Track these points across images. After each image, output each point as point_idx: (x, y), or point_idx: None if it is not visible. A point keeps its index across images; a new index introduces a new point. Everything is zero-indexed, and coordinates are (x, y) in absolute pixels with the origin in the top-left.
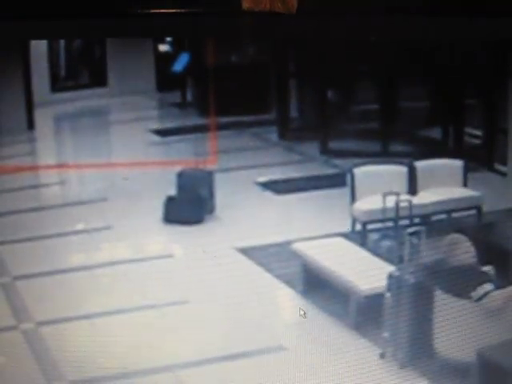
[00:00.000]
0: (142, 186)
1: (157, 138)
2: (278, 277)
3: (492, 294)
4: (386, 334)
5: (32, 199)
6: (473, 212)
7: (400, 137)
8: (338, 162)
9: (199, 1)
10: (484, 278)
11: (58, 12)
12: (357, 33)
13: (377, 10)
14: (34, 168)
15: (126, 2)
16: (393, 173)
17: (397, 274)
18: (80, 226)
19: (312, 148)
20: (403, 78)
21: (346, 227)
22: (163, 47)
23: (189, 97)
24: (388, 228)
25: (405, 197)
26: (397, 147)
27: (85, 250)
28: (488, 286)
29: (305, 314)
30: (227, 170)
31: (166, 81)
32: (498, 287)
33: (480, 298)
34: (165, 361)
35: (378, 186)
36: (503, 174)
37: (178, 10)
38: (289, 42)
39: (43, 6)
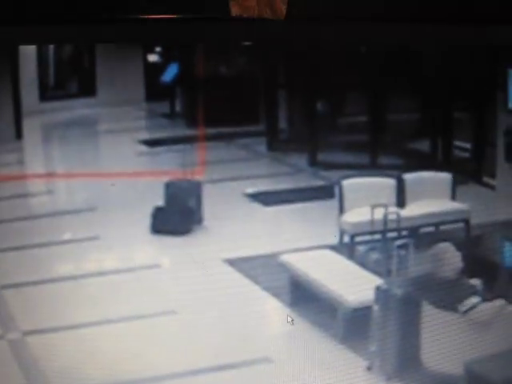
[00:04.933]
0: (130, 196)
1: (145, 149)
2: (266, 289)
3: (479, 307)
4: (373, 347)
5: (20, 208)
6: (461, 225)
7: (388, 149)
8: (326, 174)
9: (188, 7)
10: (471, 291)
11: (45, 17)
12: (347, 40)
13: (368, 16)
14: (21, 177)
15: (114, 7)
16: (381, 185)
17: (385, 286)
18: (68, 236)
19: (301, 160)
20: (392, 90)
21: (334, 239)
22: (152, 57)
23: (178, 107)
24: (376, 240)
25: (393, 209)
26: (385, 160)
27: (72, 260)
28: (475, 299)
29: (292, 320)
30: (215, 181)
31: (155, 91)
32: (484, 300)
33: (467, 311)
34: (152, 372)
35: (367, 198)
36: (492, 188)
37: (166, 16)
38: (278, 53)
39: (31, 12)
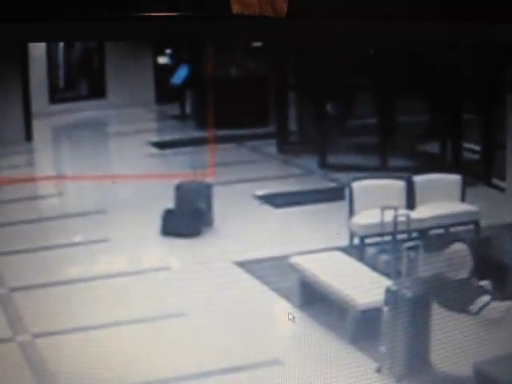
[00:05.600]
0: (140, 198)
1: (155, 151)
2: (276, 290)
3: (490, 308)
4: (382, 348)
5: (30, 211)
6: (470, 227)
7: (399, 151)
8: (336, 175)
9: (188, 5)
10: (481, 292)
11: (54, 14)
12: (348, 39)
13: (372, 14)
14: (31, 179)
15: (115, 6)
16: (391, 187)
17: (394, 288)
18: (77, 238)
19: (311, 162)
20: (401, 92)
21: (344, 241)
22: (162, 59)
23: (188, 109)
24: (386, 242)
25: (403, 211)
26: (395, 161)
27: (82, 262)
28: (486, 299)
29: (294, 318)
30: (225, 182)
31: (165, 93)
32: (494, 301)
33: (479, 311)
34: (161, 374)
35: (377, 200)
36: (501, 189)
37: (167, 14)
38: (287, 55)
39: (37, 9)
